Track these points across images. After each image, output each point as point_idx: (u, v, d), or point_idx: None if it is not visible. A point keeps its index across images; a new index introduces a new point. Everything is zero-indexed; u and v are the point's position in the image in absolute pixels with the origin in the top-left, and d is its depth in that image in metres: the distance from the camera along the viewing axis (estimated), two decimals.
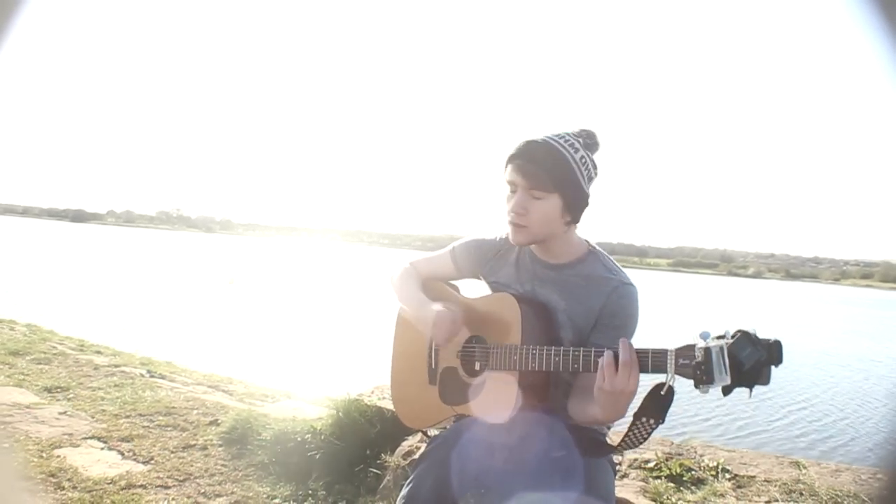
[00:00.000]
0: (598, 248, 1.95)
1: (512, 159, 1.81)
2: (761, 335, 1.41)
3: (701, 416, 10.07)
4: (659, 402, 1.56)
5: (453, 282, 2.18)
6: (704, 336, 1.45)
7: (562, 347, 1.70)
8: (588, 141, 1.83)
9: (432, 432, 2.30)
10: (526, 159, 1.78)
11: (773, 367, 1.40)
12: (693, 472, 2.96)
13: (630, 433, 1.64)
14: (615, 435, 2.06)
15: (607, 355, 1.55)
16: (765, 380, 1.39)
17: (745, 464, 3.08)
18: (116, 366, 5.75)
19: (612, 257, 1.94)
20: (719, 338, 1.43)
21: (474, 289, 2.10)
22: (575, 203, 1.82)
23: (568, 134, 1.82)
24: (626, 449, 1.73)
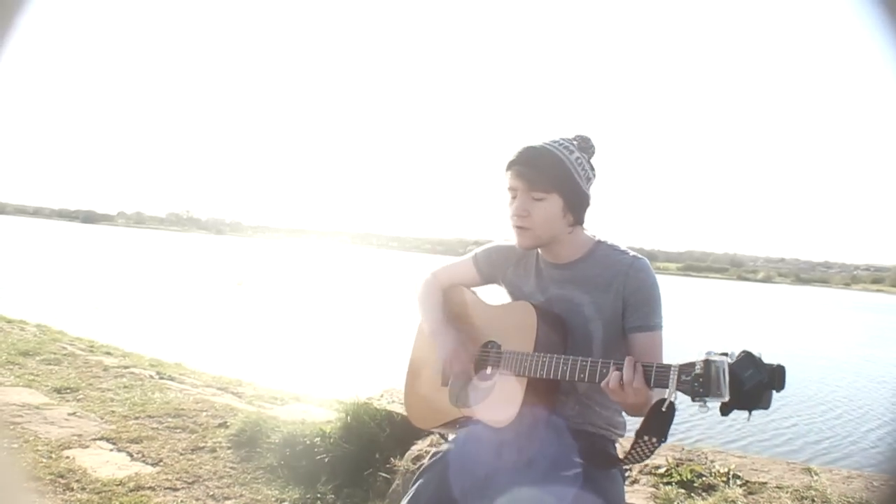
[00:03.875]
0: (603, 238, 1.99)
1: (511, 165, 1.87)
2: (766, 359, 1.40)
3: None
4: (660, 420, 1.57)
5: (474, 289, 2.20)
6: (709, 355, 1.46)
7: (570, 357, 1.72)
8: (583, 145, 1.90)
9: (449, 436, 2.31)
10: (524, 163, 1.85)
11: (773, 392, 1.39)
12: (704, 478, 2.94)
13: (633, 451, 1.67)
14: (624, 440, 2.06)
15: (614, 377, 1.60)
16: (765, 403, 1.39)
17: (756, 470, 3.06)
18: (126, 367, 5.77)
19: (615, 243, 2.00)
20: (723, 354, 1.43)
21: (495, 295, 2.13)
22: (575, 202, 1.88)
23: (563, 138, 1.89)
24: (629, 464, 1.77)
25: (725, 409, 1.42)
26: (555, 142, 1.87)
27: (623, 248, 1.95)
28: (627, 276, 1.87)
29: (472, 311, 2.11)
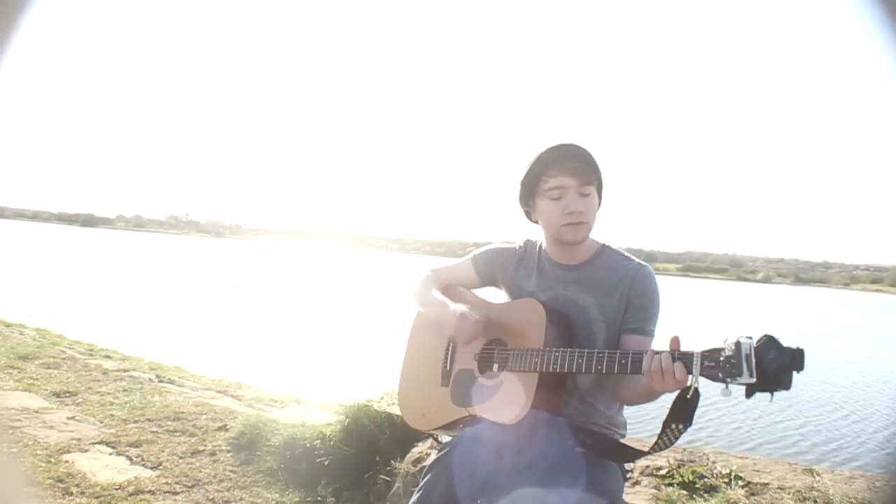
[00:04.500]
0: (607, 242, 2.03)
1: (556, 163, 1.88)
2: (785, 342, 1.44)
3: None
4: (686, 406, 1.60)
5: (473, 290, 2.20)
6: (735, 338, 1.49)
7: (585, 350, 1.74)
8: None
9: (443, 438, 2.30)
10: (573, 160, 1.88)
11: (794, 373, 1.43)
12: (706, 480, 2.93)
13: (660, 440, 1.69)
14: (630, 440, 2.06)
15: (646, 360, 1.61)
16: (786, 384, 1.43)
17: (758, 471, 3.05)
18: (125, 370, 5.75)
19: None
20: (747, 338, 1.47)
21: (495, 296, 2.13)
22: (602, 195, 1.95)
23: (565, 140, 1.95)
24: (655, 452, 1.77)
25: (750, 391, 1.47)
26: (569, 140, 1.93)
27: (627, 253, 1.99)
28: (633, 280, 1.91)
29: (474, 310, 2.07)
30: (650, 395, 1.73)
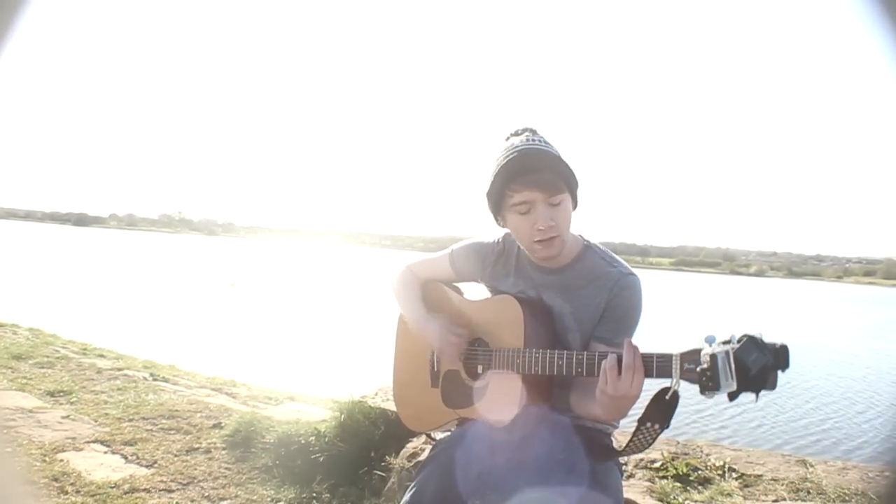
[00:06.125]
0: (592, 241, 1.93)
1: (518, 177, 1.74)
2: (767, 339, 1.37)
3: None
4: (664, 407, 1.54)
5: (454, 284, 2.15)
6: (710, 340, 1.43)
7: (565, 351, 1.68)
8: (542, 136, 1.82)
9: (437, 435, 2.29)
10: (536, 170, 1.74)
11: (779, 372, 1.36)
12: (699, 472, 2.94)
13: (635, 438, 1.64)
14: (619, 434, 2.05)
15: (610, 359, 1.54)
16: (771, 385, 1.36)
17: (751, 463, 3.07)
18: (119, 369, 5.75)
19: (608, 249, 1.92)
20: (725, 343, 1.40)
21: (476, 291, 2.08)
22: (576, 196, 1.82)
23: (529, 136, 1.81)
24: (631, 454, 1.72)
25: (733, 396, 1.39)
26: (531, 141, 1.78)
27: (613, 257, 1.88)
28: (612, 291, 1.80)
29: (454, 309, 2.04)
30: (609, 407, 1.59)
